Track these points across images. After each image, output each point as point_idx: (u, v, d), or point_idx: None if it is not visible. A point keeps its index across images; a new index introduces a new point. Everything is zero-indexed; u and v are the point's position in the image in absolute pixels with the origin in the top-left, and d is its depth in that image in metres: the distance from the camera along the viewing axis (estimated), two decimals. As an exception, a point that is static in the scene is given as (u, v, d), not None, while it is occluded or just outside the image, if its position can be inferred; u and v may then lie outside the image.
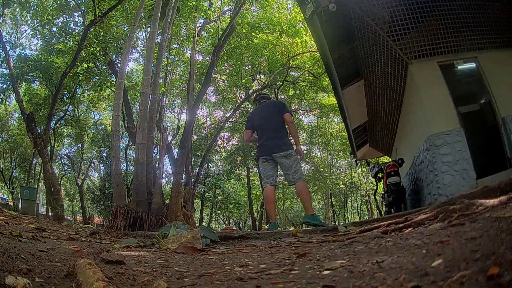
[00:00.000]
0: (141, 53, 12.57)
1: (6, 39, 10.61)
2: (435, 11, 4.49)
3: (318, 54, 8.60)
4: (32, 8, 9.68)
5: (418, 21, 4.51)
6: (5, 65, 10.16)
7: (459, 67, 4.73)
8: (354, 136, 8.55)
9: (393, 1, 4.45)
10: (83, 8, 9.79)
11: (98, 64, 10.64)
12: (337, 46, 5.44)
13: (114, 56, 10.55)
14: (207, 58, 12.83)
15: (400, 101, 5.75)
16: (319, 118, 17.79)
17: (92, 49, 9.71)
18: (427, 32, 4.58)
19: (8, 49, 10.00)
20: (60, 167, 20.56)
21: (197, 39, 10.03)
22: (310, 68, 12.25)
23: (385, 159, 11.49)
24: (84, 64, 10.26)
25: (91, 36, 9.33)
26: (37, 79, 11.89)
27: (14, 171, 18.60)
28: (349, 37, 5.37)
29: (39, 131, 9.01)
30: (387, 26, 4.57)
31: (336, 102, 7.91)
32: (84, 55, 9.69)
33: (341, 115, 8.10)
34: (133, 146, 9.30)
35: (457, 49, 4.60)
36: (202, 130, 16.59)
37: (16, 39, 13.25)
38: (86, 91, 13.26)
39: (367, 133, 8.80)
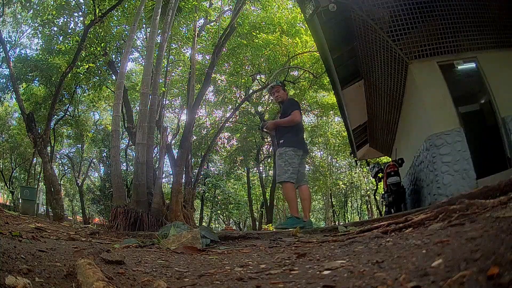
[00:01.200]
0: (141, 53, 12.57)
1: (6, 39, 10.61)
2: (435, 11, 4.48)
3: (318, 54, 8.60)
4: (33, 8, 9.68)
5: (418, 21, 4.51)
6: (5, 65, 10.16)
7: (459, 67, 4.72)
8: (354, 136, 8.55)
9: (393, 1, 4.45)
10: (83, 8, 9.79)
11: (98, 64, 10.65)
12: (337, 46, 5.43)
13: (114, 56, 10.56)
14: (207, 58, 12.83)
15: (400, 101, 5.75)
16: (320, 118, 17.80)
17: (92, 49, 9.71)
18: (427, 32, 4.58)
19: (8, 49, 10.00)
20: (60, 167, 20.56)
21: (197, 39, 10.03)
22: (310, 68, 12.25)
23: (385, 159, 11.49)
24: (84, 64, 10.26)
25: (91, 36, 9.33)
26: (37, 79, 11.89)
27: (14, 171, 18.60)
28: (349, 37, 5.37)
29: (39, 131, 9.01)
30: (387, 26, 4.57)
31: (336, 101, 7.91)
32: (84, 55, 9.69)
33: (341, 115, 8.11)
34: (133, 146, 9.30)
35: (457, 49, 4.60)
36: (202, 130, 16.58)
37: (16, 39, 13.25)
38: (86, 91, 13.27)
39: (367, 133, 8.80)
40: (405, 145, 6.42)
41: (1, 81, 11.51)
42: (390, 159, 7.77)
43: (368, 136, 8.95)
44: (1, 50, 9.46)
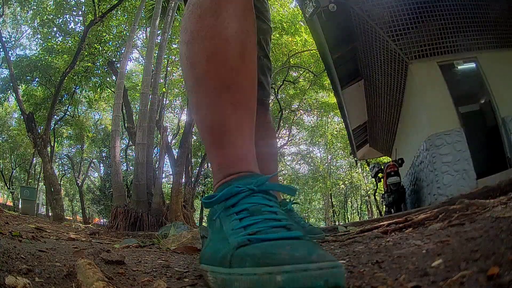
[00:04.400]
0: (141, 53, 12.58)
1: (6, 39, 10.61)
2: (435, 11, 4.49)
3: (318, 53, 8.59)
4: (32, 8, 9.68)
5: (418, 21, 4.52)
6: (5, 65, 10.17)
7: (459, 67, 4.73)
8: (354, 136, 8.56)
9: (393, 1, 4.46)
10: (83, 8, 9.79)
11: (97, 64, 10.65)
12: (337, 46, 5.44)
13: (113, 56, 10.56)
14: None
15: (400, 101, 5.75)
16: (320, 118, 17.79)
17: (92, 49, 9.71)
18: (427, 32, 4.59)
19: (8, 49, 10.01)
20: (60, 167, 20.55)
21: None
22: (310, 67, 12.24)
23: (385, 159, 11.49)
24: (83, 63, 10.25)
25: (90, 36, 9.33)
26: (36, 80, 11.88)
27: (14, 171, 18.60)
28: (349, 37, 5.38)
29: (39, 132, 9.01)
30: (387, 26, 4.57)
31: (336, 101, 7.93)
32: (84, 55, 9.69)
33: (341, 115, 8.12)
34: (133, 146, 9.29)
35: (457, 49, 4.60)
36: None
37: (16, 39, 13.25)
38: (85, 91, 13.25)
39: (367, 133, 8.80)
40: (405, 145, 6.43)
41: (1, 83, 11.51)
42: (390, 159, 7.78)
43: (368, 136, 8.96)
44: (1, 50, 9.46)
